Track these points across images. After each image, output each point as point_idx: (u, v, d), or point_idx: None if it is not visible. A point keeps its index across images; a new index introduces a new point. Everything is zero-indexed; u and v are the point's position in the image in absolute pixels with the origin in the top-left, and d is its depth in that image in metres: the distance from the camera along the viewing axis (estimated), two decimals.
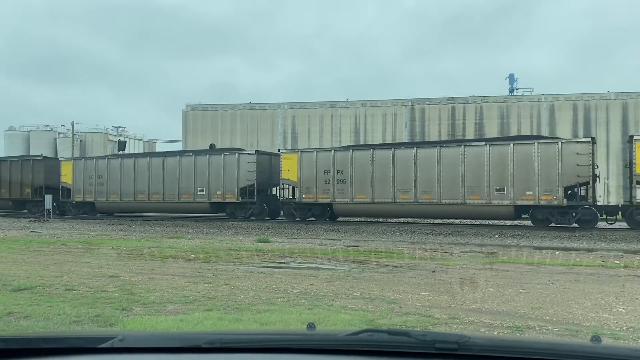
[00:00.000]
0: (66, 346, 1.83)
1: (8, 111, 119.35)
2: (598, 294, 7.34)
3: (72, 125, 47.56)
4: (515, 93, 46.93)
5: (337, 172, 22.88)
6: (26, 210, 30.91)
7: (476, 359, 1.65)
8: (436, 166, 21.13)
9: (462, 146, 21.03)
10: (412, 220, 23.59)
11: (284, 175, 24.10)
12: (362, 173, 22.49)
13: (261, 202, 25.23)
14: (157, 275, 9.02)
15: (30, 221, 25.35)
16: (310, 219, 23.84)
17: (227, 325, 5.49)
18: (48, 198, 26.94)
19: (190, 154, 27.21)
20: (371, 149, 23.01)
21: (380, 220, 23.85)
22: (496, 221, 21.31)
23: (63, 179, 29.75)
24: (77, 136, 51.80)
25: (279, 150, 25.57)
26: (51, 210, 26.80)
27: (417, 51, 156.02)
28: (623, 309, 6.47)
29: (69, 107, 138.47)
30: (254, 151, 26.27)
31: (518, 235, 17.88)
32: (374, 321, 5.69)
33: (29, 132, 56.81)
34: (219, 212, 26.59)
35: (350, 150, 23.23)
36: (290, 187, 24.74)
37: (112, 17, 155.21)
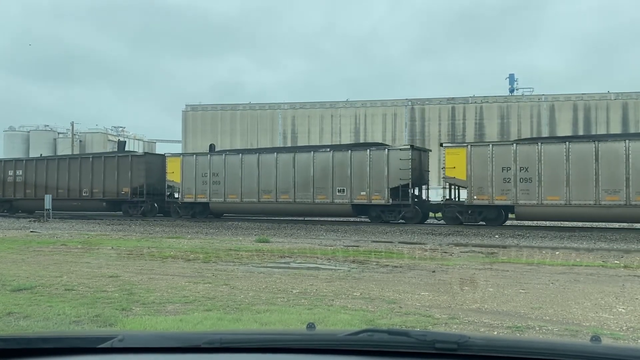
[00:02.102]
0: (66, 346, 1.83)
1: (9, 111, 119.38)
2: (598, 294, 7.34)
3: (72, 125, 47.66)
4: (515, 93, 46.99)
5: (521, 170, 19.59)
6: (121, 212, 28.28)
7: (476, 359, 1.65)
8: None
9: None
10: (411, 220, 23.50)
11: (448, 173, 20.87)
12: (553, 170, 19.20)
13: (414, 204, 22.13)
14: (157, 275, 9.02)
15: (30, 221, 25.35)
16: (481, 223, 20.73)
17: (227, 325, 5.49)
18: (48, 198, 26.72)
19: (328, 149, 24.10)
20: (566, 142, 19.61)
21: (381, 220, 23.67)
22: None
23: (169, 177, 26.68)
24: (77, 136, 51.91)
25: (441, 145, 22.57)
26: (50, 211, 26.69)
27: (424, 50, 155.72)
28: (623, 309, 6.47)
29: (70, 106, 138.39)
30: (408, 146, 22.93)
31: (518, 235, 17.89)
32: (374, 321, 5.69)
33: (29, 132, 56.93)
34: (361, 215, 23.60)
35: (539, 144, 19.78)
36: (447, 187, 21.90)
37: (116, 16, 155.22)
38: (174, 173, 26.53)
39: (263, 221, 24.30)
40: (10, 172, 31.02)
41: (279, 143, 44.48)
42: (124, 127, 60.85)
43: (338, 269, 9.86)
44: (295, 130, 46.75)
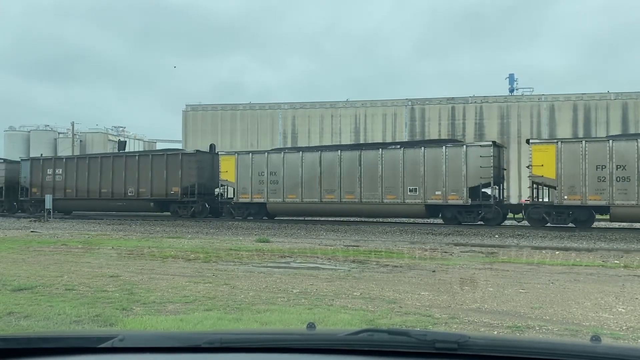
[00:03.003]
0: (66, 346, 1.83)
1: (10, 111, 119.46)
2: (598, 294, 7.34)
3: (72, 125, 47.64)
4: (515, 93, 46.97)
5: (617, 168, 18.38)
6: (169, 213, 27.02)
7: (476, 359, 1.65)
8: None
9: None
10: (412, 220, 23.53)
11: (535, 171, 19.59)
12: None
13: (495, 205, 20.80)
14: (157, 275, 9.02)
15: (31, 221, 25.36)
16: (570, 225, 19.60)
17: (227, 325, 5.50)
18: (48, 198, 26.67)
19: (399, 146, 22.69)
20: None
21: (381, 220, 23.71)
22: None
23: (223, 176, 25.44)
24: (77, 136, 51.89)
25: (527, 141, 21.05)
26: (51, 211, 26.65)
27: (427, 50, 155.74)
28: (623, 308, 6.47)
29: (71, 106, 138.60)
30: (490, 142, 21.51)
31: (518, 235, 17.89)
32: (374, 321, 5.69)
33: (29, 132, 56.95)
34: (434, 216, 22.56)
35: (638, 140, 18.55)
36: (532, 186, 20.56)
37: (117, 15, 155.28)
38: (227, 172, 25.31)
39: (264, 221, 24.28)
40: (49, 171, 29.60)
41: (279, 143, 44.45)
42: (124, 127, 60.97)
43: (338, 269, 9.86)
44: (295, 130, 46.72)
